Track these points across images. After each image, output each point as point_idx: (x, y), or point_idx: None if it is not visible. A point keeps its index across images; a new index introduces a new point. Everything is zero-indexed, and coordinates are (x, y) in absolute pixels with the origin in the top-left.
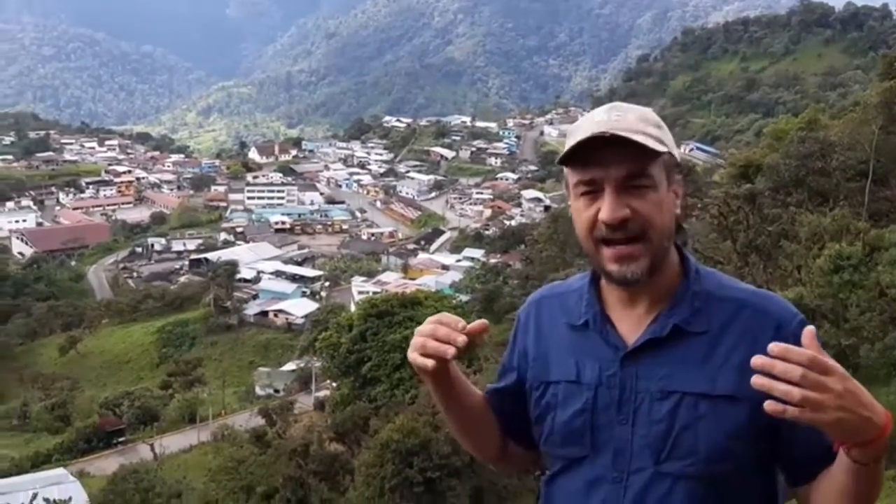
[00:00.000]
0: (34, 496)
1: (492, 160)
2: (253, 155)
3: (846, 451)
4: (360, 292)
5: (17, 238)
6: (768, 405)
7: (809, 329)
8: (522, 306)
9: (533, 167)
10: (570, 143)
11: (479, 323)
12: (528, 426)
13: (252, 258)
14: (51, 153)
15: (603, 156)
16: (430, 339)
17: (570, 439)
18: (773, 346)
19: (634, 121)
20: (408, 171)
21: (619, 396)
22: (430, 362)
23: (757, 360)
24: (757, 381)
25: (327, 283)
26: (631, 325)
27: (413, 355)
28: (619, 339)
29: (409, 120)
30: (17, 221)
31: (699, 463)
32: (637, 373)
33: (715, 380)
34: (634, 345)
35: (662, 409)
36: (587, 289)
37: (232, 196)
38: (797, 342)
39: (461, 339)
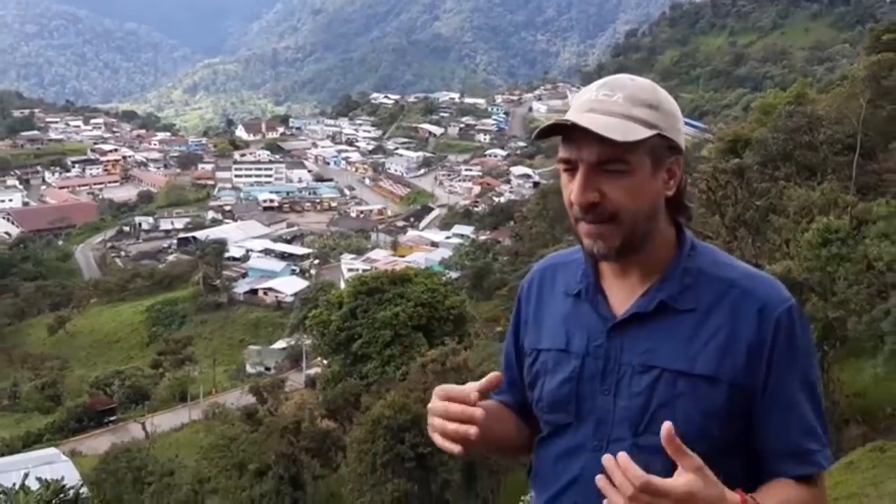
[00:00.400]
0: (26, 475)
1: (480, 137)
2: (240, 133)
3: None
4: (350, 270)
5: (3, 218)
6: None
7: (667, 427)
8: (523, 280)
9: (522, 143)
10: (544, 124)
11: (489, 379)
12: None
13: (241, 236)
14: (35, 132)
15: (578, 137)
16: (445, 419)
17: (557, 406)
18: (615, 458)
19: (621, 102)
20: (396, 148)
21: (603, 367)
22: (457, 448)
23: (608, 461)
24: (600, 482)
25: (316, 261)
26: (622, 296)
27: (439, 440)
28: (609, 311)
29: (397, 96)
30: (2, 201)
31: None
32: (622, 345)
33: (696, 359)
34: (621, 317)
35: (642, 382)
36: (584, 259)
37: (219, 174)
38: (782, 329)
39: (478, 413)
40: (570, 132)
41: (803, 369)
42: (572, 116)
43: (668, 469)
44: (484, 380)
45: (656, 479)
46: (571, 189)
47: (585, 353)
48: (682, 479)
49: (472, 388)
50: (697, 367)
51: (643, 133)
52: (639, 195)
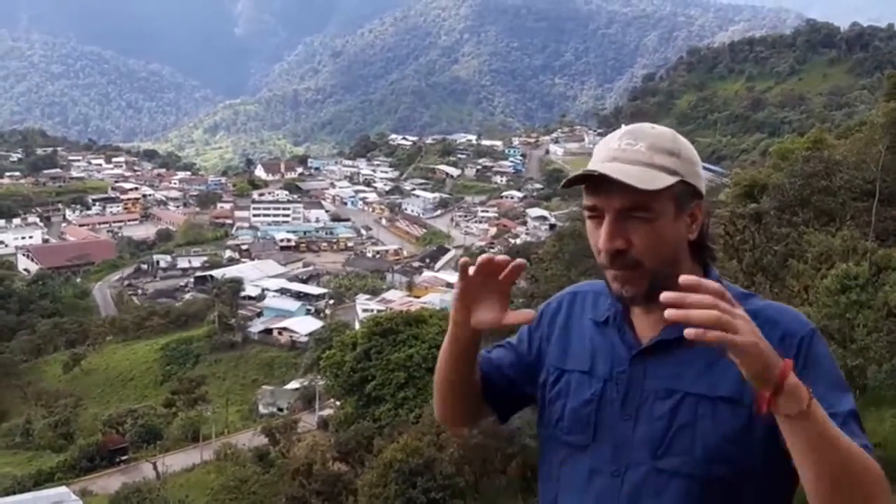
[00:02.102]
0: None
1: (497, 178)
2: (259, 172)
3: (771, 404)
4: (365, 310)
5: (23, 254)
6: (688, 333)
7: (708, 281)
8: (555, 296)
9: (538, 185)
10: (570, 175)
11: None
12: (507, 394)
13: (257, 275)
14: (58, 170)
15: (604, 186)
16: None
17: (576, 427)
18: (683, 278)
19: (644, 150)
20: (413, 189)
21: (625, 393)
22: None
23: (667, 295)
24: (671, 314)
25: (332, 301)
26: (648, 326)
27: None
28: (634, 339)
29: (415, 138)
30: (23, 238)
31: (695, 462)
32: (645, 372)
33: (717, 382)
34: (646, 344)
35: (664, 406)
36: None
37: (238, 213)
38: (803, 350)
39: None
40: (595, 181)
41: (829, 377)
42: (597, 167)
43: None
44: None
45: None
46: (598, 236)
47: (608, 377)
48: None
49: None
50: (718, 389)
51: (666, 180)
52: (663, 241)
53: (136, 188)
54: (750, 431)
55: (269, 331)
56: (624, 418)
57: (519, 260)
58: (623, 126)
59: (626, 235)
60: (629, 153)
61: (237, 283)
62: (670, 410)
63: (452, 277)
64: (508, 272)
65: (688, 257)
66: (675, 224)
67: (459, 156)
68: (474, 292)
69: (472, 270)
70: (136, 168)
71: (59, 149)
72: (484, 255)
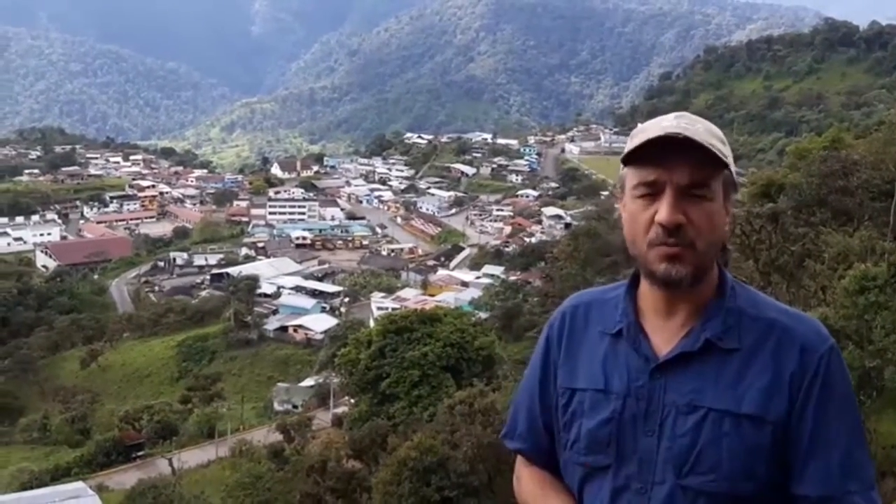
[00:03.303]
0: None
1: (512, 177)
2: (275, 170)
3: None
4: (380, 308)
5: (42, 251)
6: None
7: None
8: (552, 317)
9: (554, 184)
10: (634, 143)
11: None
12: (552, 443)
13: (272, 273)
14: (76, 167)
15: (669, 158)
16: None
17: (596, 448)
18: None
19: (703, 131)
20: (428, 188)
21: (646, 408)
22: None
23: None
24: None
25: (347, 299)
26: (664, 336)
27: None
28: (651, 351)
29: (431, 136)
30: (41, 235)
31: (720, 479)
32: (666, 385)
33: (742, 398)
34: (666, 357)
35: (688, 423)
36: (623, 298)
37: (254, 211)
38: (823, 369)
39: None
40: (657, 155)
41: (845, 408)
42: (660, 133)
43: None
44: None
45: None
46: (649, 214)
47: (626, 393)
48: None
49: None
50: (744, 406)
51: (727, 160)
52: (714, 223)
53: (154, 186)
54: (773, 447)
55: (284, 328)
56: (647, 434)
57: None
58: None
59: (685, 211)
60: (691, 131)
61: (253, 281)
62: (694, 427)
63: (467, 276)
64: None
65: (718, 251)
66: (722, 210)
67: (475, 154)
68: None
69: None
70: (153, 166)
71: (77, 147)
72: None
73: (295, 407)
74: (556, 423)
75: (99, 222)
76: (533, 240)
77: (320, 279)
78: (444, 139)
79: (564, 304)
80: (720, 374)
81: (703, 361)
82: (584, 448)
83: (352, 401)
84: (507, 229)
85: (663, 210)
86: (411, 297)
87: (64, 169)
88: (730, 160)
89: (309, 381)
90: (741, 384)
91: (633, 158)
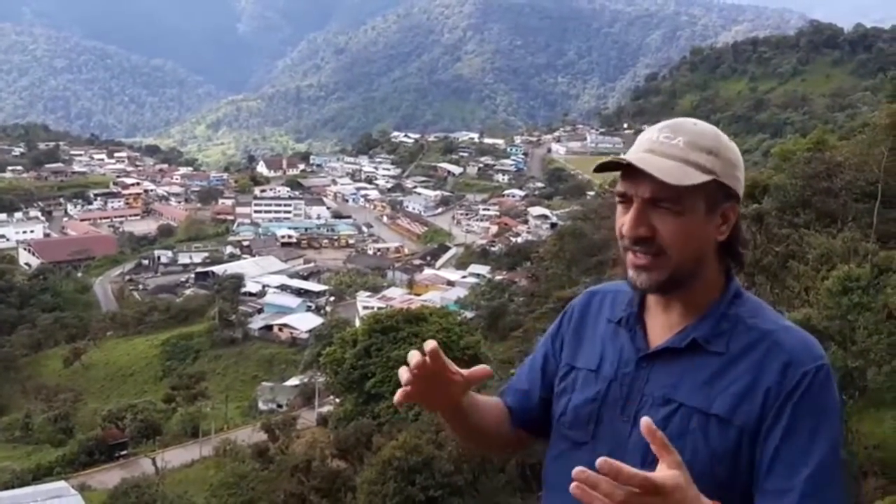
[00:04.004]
0: None
1: (499, 177)
2: (261, 169)
3: None
4: (365, 307)
5: (25, 249)
6: None
7: (646, 421)
8: (571, 302)
9: (540, 184)
10: (608, 158)
11: (477, 370)
12: (545, 417)
13: (258, 272)
14: (60, 164)
15: (636, 174)
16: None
17: (577, 424)
18: (603, 463)
19: (681, 146)
20: (415, 187)
21: (627, 394)
22: (402, 392)
23: (580, 475)
24: (575, 490)
25: (332, 298)
26: (661, 331)
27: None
28: (644, 342)
29: (417, 135)
30: (24, 232)
31: None
32: (649, 376)
33: (714, 399)
34: (653, 349)
35: (658, 414)
36: (632, 290)
37: (239, 209)
38: (805, 385)
39: (405, 376)
40: (628, 169)
41: (822, 428)
42: (631, 156)
43: None
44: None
45: (652, 475)
46: (622, 221)
47: (613, 378)
48: (670, 473)
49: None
50: (714, 406)
51: (698, 178)
52: (689, 236)
53: (138, 183)
54: (736, 452)
55: (269, 327)
56: (623, 420)
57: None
58: (660, 122)
59: (652, 224)
60: (665, 147)
61: (238, 280)
62: (663, 419)
63: (453, 275)
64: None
65: (713, 258)
66: (704, 222)
67: (461, 154)
68: (426, 387)
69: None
70: (138, 163)
71: (61, 143)
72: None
73: (279, 406)
74: (552, 393)
75: (83, 220)
76: (519, 239)
77: (306, 278)
78: (430, 138)
79: (590, 289)
80: (699, 373)
81: (687, 360)
82: (569, 422)
83: (337, 400)
84: (494, 229)
85: (627, 223)
86: (397, 296)
87: (48, 166)
88: (720, 170)
89: (294, 381)
90: (717, 386)
91: (602, 171)
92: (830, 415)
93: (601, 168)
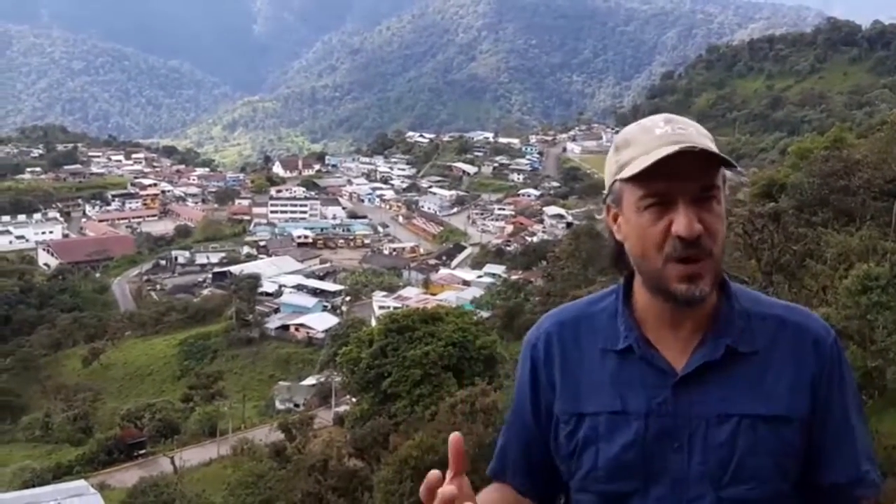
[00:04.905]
0: None
1: (514, 176)
2: (277, 169)
3: None
4: (381, 307)
5: (44, 249)
6: None
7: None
8: (531, 337)
9: (555, 183)
10: (631, 154)
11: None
12: (552, 476)
13: (274, 272)
14: (78, 166)
15: (677, 167)
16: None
17: (620, 473)
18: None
19: (696, 134)
20: (430, 187)
21: (672, 424)
22: None
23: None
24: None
25: (348, 298)
26: (675, 348)
27: None
28: (667, 364)
29: (432, 135)
30: (43, 233)
31: (762, 485)
32: (692, 398)
33: (769, 400)
34: (688, 369)
35: (722, 433)
36: (622, 310)
37: (255, 210)
38: (835, 360)
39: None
40: (660, 165)
41: (855, 392)
42: (670, 149)
43: None
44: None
45: None
46: (661, 227)
47: (647, 412)
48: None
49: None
50: (773, 408)
51: (731, 160)
52: (723, 226)
53: (155, 184)
54: (801, 444)
55: (285, 327)
56: (676, 451)
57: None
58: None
59: (700, 218)
60: (687, 136)
61: (254, 280)
62: (730, 437)
63: (469, 275)
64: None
65: None
66: (723, 210)
67: (476, 153)
68: None
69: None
70: (155, 164)
71: (79, 145)
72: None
73: (296, 405)
74: (556, 453)
75: (101, 220)
76: (534, 239)
77: (322, 278)
78: (445, 138)
79: (543, 323)
80: (744, 378)
81: (725, 368)
82: (605, 476)
83: (353, 399)
84: (509, 228)
85: (681, 223)
86: (413, 295)
87: (66, 167)
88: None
89: (310, 380)
90: (765, 386)
91: (643, 175)
92: (852, 377)
93: (649, 170)
